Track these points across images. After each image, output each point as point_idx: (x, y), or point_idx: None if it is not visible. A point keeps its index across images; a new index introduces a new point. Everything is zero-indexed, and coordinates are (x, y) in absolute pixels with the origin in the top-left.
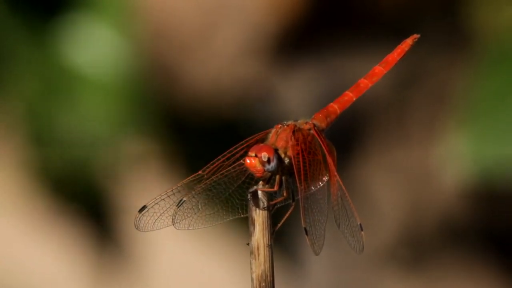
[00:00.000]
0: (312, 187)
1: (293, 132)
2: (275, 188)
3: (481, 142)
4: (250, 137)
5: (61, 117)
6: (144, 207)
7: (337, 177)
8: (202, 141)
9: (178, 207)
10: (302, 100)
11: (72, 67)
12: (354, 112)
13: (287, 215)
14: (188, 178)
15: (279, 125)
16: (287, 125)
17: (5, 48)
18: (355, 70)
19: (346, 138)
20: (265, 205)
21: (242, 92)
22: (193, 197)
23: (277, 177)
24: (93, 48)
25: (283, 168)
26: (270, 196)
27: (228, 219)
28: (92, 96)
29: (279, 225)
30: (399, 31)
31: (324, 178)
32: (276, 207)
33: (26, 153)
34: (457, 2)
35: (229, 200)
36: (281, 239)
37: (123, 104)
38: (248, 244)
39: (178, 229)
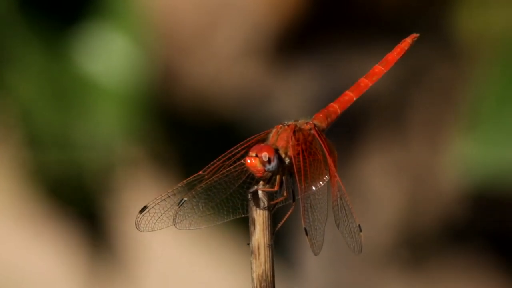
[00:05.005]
0: (313, 187)
1: (294, 132)
2: (276, 188)
3: (484, 144)
4: (251, 137)
5: (70, 122)
6: (144, 208)
7: (337, 177)
8: (201, 141)
9: (179, 207)
10: (301, 100)
11: (85, 75)
12: (354, 112)
13: (287, 215)
14: (188, 178)
15: (280, 125)
16: (288, 125)
17: (19, 55)
18: (354, 69)
19: (346, 138)
20: (266, 205)
21: (241, 92)
22: (194, 197)
23: (278, 177)
24: (106, 57)
25: (283, 168)
26: (270, 196)
27: (228, 219)
28: (103, 104)
29: (279, 225)
30: (398, 30)
31: (324, 178)
32: (276, 207)
33: (26, 155)
34: (455, 3)
35: (229, 200)
36: (281, 239)
37: (135, 112)
38: (248, 244)
39: (179, 229)
